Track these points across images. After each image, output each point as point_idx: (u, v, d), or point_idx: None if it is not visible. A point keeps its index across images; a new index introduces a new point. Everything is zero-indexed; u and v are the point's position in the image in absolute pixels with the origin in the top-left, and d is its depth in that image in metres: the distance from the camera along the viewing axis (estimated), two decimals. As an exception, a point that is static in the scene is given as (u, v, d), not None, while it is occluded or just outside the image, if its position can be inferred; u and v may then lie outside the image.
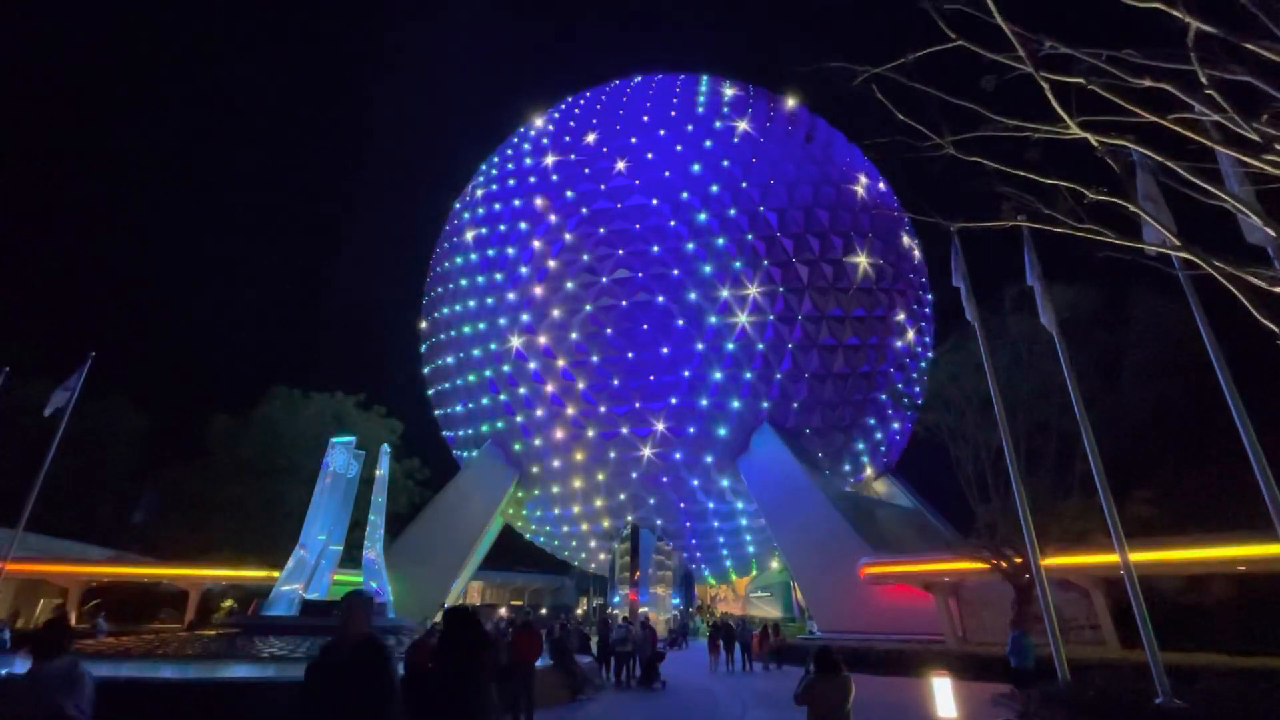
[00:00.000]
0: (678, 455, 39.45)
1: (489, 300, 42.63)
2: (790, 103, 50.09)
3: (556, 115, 49.95)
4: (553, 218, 41.66)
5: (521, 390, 40.98)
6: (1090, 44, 5.37)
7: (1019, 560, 20.10)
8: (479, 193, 48.61)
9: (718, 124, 44.16)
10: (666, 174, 41.12)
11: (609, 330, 38.93)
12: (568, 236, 40.75)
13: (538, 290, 40.57)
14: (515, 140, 51.11)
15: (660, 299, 38.66)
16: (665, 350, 38.46)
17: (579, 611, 57.89)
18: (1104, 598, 22.34)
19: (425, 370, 49.53)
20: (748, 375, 38.57)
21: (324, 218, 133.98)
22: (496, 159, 50.91)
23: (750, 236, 39.59)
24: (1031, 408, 20.36)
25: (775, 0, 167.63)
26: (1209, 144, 5.58)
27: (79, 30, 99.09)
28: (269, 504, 37.74)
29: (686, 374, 38.41)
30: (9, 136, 79.65)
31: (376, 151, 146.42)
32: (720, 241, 39.36)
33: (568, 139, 45.66)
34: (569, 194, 41.95)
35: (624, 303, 38.88)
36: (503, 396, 41.94)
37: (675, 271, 38.90)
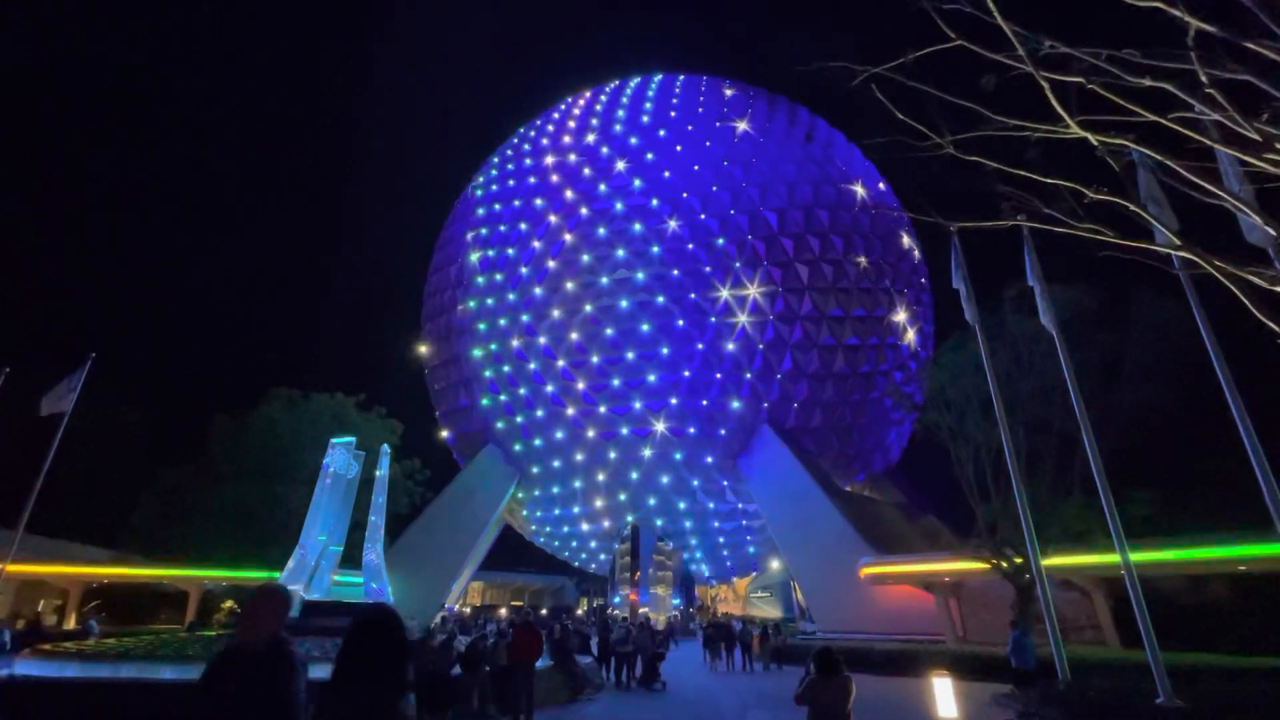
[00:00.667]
0: (678, 455, 39.44)
1: (489, 300, 42.64)
2: (790, 103, 50.15)
3: (556, 116, 49.97)
4: (553, 218, 41.67)
5: (522, 391, 40.98)
6: (1090, 43, 5.36)
7: (1019, 560, 20.09)
8: (479, 193, 48.62)
9: (718, 124, 44.18)
10: (666, 174, 41.14)
11: (609, 330, 38.95)
12: (568, 237, 40.75)
13: (538, 290, 40.58)
14: (515, 141, 51.14)
15: (660, 299, 38.67)
16: (665, 350, 38.46)
17: (579, 612, 57.88)
18: (1104, 598, 22.34)
19: (425, 371, 49.54)
20: (748, 375, 38.57)
21: (324, 218, 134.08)
22: (497, 159, 50.95)
23: (750, 237, 39.60)
24: (1032, 408, 20.34)
25: (775, 0, 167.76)
26: (1209, 143, 5.58)
27: (79, 30, 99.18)
28: (269, 505, 37.70)
29: (687, 374, 38.42)
30: (8, 136, 79.72)
31: (377, 152, 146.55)
32: (720, 242, 39.38)
33: (568, 139, 45.69)
34: (569, 194, 41.98)
35: (624, 303, 38.89)
36: (503, 397, 41.94)
37: (675, 272, 38.91)
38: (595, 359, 39.07)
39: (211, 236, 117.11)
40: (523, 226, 42.69)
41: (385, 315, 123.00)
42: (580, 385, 39.37)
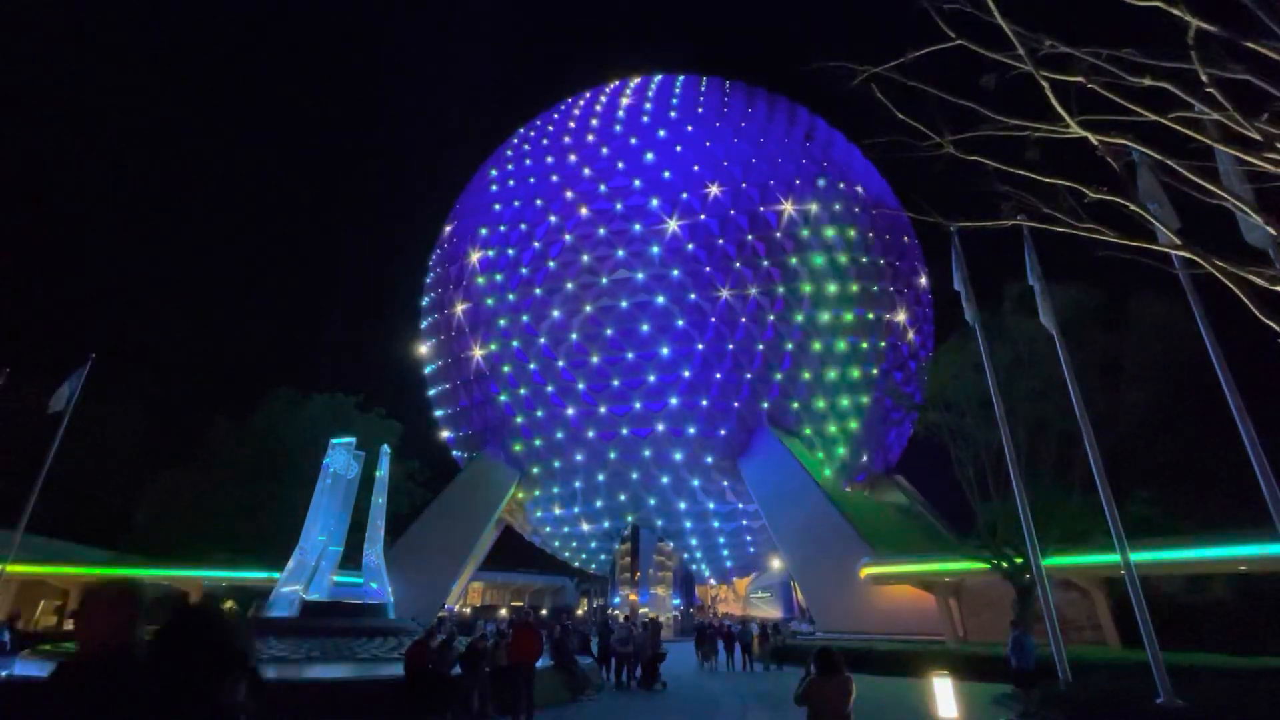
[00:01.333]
0: (678, 455, 39.43)
1: (489, 301, 42.63)
2: (790, 103, 50.16)
3: (556, 116, 49.98)
4: (553, 218, 41.68)
5: (522, 391, 40.97)
6: (1090, 43, 5.36)
7: (1019, 560, 20.08)
8: (479, 193, 48.62)
9: (717, 124, 44.18)
10: (667, 174, 41.14)
11: (609, 331, 38.95)
12: (568, 237, 40.75)
13: (538, 291, 40.57)
14: (516, 141, 51.13)
15: (660, 299, 38.67)
16: (665, 351, 38.46)
17: (579, 612, 57.85)
18: (1105, 598, 22.33)
19: (426, 371, 49.53)
20: (748, 376, 38.56)
21: (324, 218, 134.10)
22: (497, 159, 50.95)
23: (750, 236, 39.60)
24: (1032, 407, 20.34)
25: (776, 1, 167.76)
26: (1209, 143, 5.57)
27: (79, 29, 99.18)
28: (269, 505, 37.70)
29: (686, 374, 38.42)
30: (8, 136, 79.74)
31: (377, 152, 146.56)
32: (720, 242, 39.39)
33: (568, 140, 45.69)
34: (569, 194, 41.98)
35: (624, 303, 38.89)
36: (503, 397, 41.93)
37: (675, 272, 38.91)
38: (595, 359, 39.06)
39: (212, 236, 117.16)
40: (523, 227, 42.69)
41: (385, 315, 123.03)
42: (580, 385, 39.36)
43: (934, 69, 5.80)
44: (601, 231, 40.19)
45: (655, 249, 39.32)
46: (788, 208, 40.61)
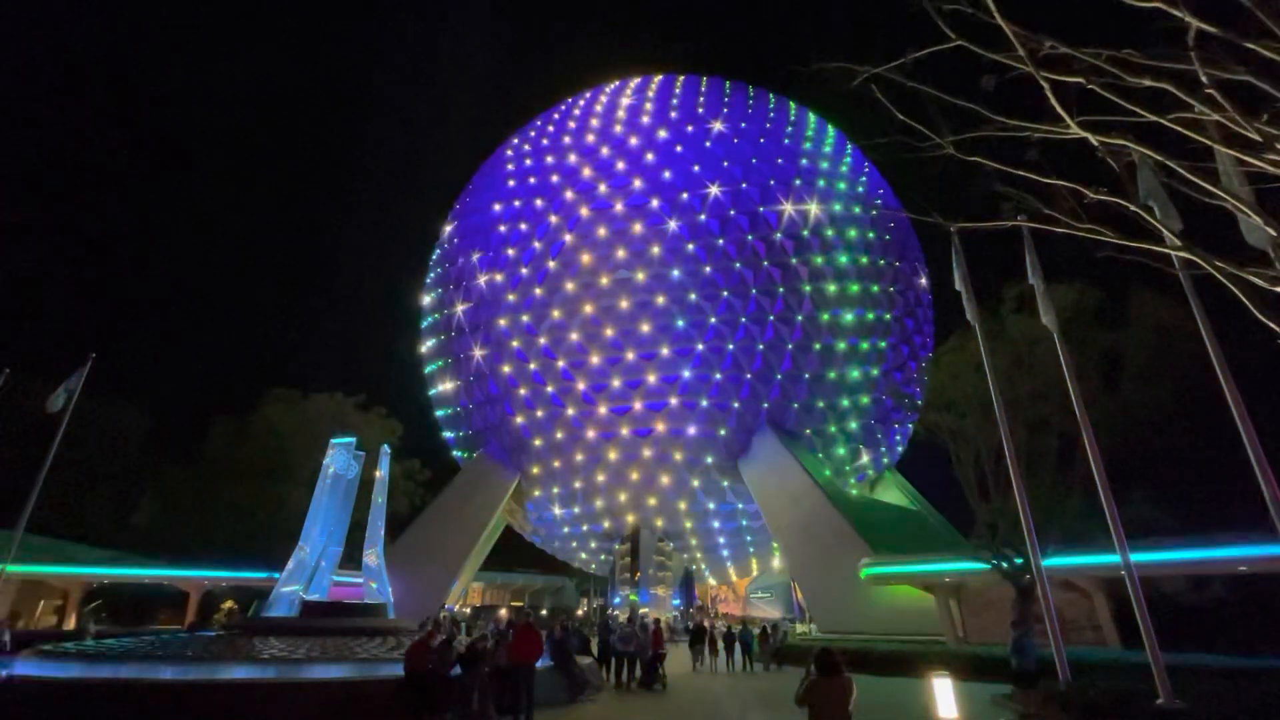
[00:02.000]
0: (678, 456, 39.42)
1: (489, 301, 42.62)
2: (790, 103, 50.16)
3: (557, 116, 49.97)
4: (553, 218, 41.67)
5: (522, 391, 40.97)
6: (1090, 44, 5.36)
7: (1019, 560, 20.08)
8: (479, 193, 48.61)
9: (718, 125, 44.17)
10: (667, 174, 41.14)
11: (609, 331, 38.95)
12: (568, 237, 40.74)
13: (538, 291, 40.56)
14: (516, 141, 51.12)
15: (660, 299, 38.67)
16: (665, 351, 38.46)
17: (580, 612, 57.83)
18: (1105, 598, 22.32)
19: (426, 371, 49.53)
20: (748, 376, 38.56)
21: (325, 218, 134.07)
22: (497, 159, 50.94)
23: (750, 237, 39.60)
24: (1032, 408, 20.32)
25: (776, 1, 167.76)
26: (1209, 143, 5.57)
27: (79, 30, 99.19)
28: (269, 505, 37.74)
29: (686, 374, 38.42)
30: (8, 137, 79.71)
31: (377, 152, 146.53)
32: (720, 242, 39.38)
33: (568, 140, 45.68)
34: (569, 194, 41.97)
35: (624, 303, 38.89)
36: (503, 397, 41.93)
37: (675, 272, 38.91)
38: (595, 359, 39.06)
39: (212, 237, 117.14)
40: (523, 227, 42.69)
41: (385, 315, 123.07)
42: (580, 386, 39.36)
43: (934, 70, 5.80)
44: (602, 231, 40.19)
45: (655, 249, 39.32)
46: (788, 208, 40.60)
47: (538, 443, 41.30)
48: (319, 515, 18.94)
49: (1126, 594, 11.85)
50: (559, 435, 40.50)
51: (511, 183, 45.72)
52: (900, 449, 46.00)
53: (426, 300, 49.80)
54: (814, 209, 41.01)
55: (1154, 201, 9.34)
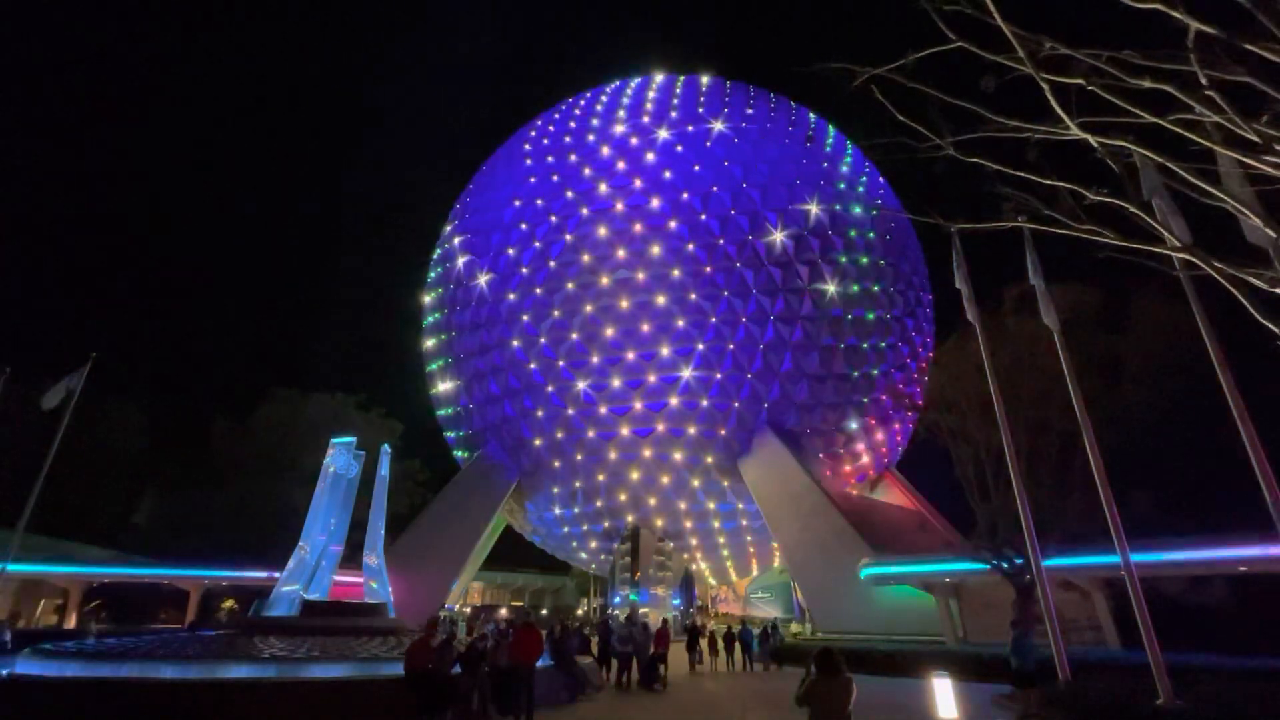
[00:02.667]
0: (678, 456, 39.44)
1: (489, 300, 42.63)
2: (791, 104, 50.14)
3: (557, 116, 49.96)
4: (553, 218, 41.67)
5: (522, 391, 40.98)
6: (1090, 45, 5.36)
7: (1020, 561, 20.09)
8: (480, 193, 48.61)
9: (718, 125, 44.15)
10: (667, 174, 41.13)
11: (609, 330, 38.95)
12: (568, 237, 40.74)
13: (538, 291, 40.57)
14: (516, 140, 51.12)
15: (661, 299, 38.67)
16: (665, 351, 38.47)
17: (580, 612, 57.87)
18: (1105, 598, 22.33)
19: (426, 371, 49.56)
20: (748, 376, 38.57)
21: (325, 217, 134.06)
22: (497, 158, 50.94)
23: (751, 237, 39.60)
24: (1032, 408, 20.33)
25: (778, 1, 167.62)
26: (1209, 145, 5.57)
27: (80, 30, 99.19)
28: (269, 504, 37.77)
29: (687, 374, 38.43)
30: (8, 136, 79.74)
31: (377, 152, 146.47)
32: (721, 242, 39.38)
33: (568, 139, 45.67)
34: (569, 194, 41.97)
35: (624, 303, 38.89)
36: (503, 397, 41.94)
37: (676, 272, 38.91)
38: (595, 359, 39.07)
39: (212, 237, 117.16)
40: (523, 226, 42.69)
41: (386, 315, 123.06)
42: (580, 385, 39.37)
43: (934, 71, 5.81)
44: (602, 231, 40.19)
45: (656, 249, 39.32)
46: (788, 208, 40.59)
47: (538, 442, 41.31)
48: (319, 515, 18.97)
49: (1126, 594, 11.85)
50: (559, 435, 40.52)
51: (512, 182, 45.73)
52: (900, 449, 46.00)
53: (427, 300, 49.82)
54: (815, 209, 41.01)
55: (1158, 202, 9.35)
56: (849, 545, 30.87)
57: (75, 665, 12.52)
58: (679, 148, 42.33)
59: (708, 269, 38.92)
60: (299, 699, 11.28)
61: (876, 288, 41.23)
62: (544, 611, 55.24)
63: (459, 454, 48.18)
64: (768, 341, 38.56)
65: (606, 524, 42.78)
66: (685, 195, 40.35)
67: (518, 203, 44.05)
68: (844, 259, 40.54)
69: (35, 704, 10.84)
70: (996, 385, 15.07)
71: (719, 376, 38.45)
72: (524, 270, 41.45)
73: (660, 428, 38.91)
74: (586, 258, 39.92)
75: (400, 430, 48.30)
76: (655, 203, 40.29)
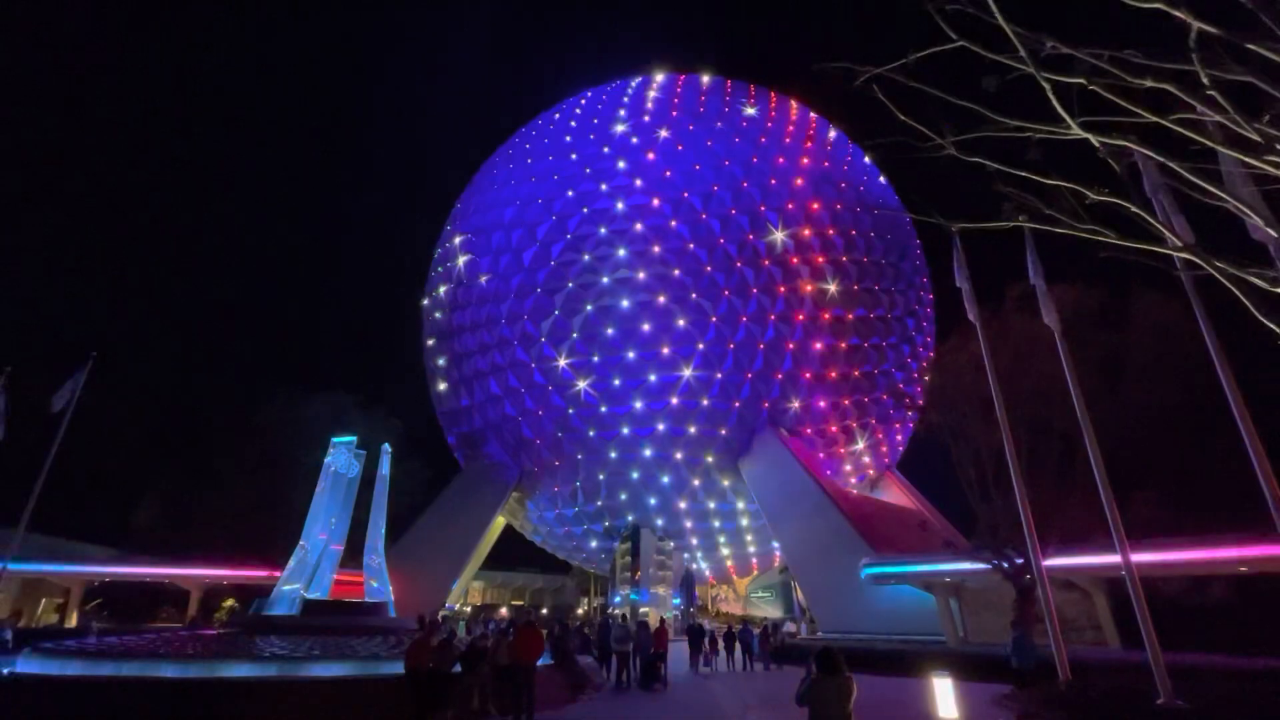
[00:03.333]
0: (679, 455, 39.44)
1: (490, 300, 42.63)
2: (792, 103, 50.12)
3: (557, 116, 49.97)
4: (554, 217, 41.67)
5: (523, 390, 40.98)
6: (1091, 44, 5.36)
7: (1020, 561, 20.10)
8: (481, 192, 48.61)
9: (719, 124, 44.15)
10: (668, 174, 41.12)
11: (610, 330, 38.94)
12: (569, 236, 40.74)
13: (539, 290, 40.57)
14: (517, 140, 51.14)
15: (661, 299, 38.67)
16: (666, 350, 38.46)
17: (580, 611, 57.89)
18: (1105, 598, 22.34)
19: (427, 370, 49.55)
20: (749, 375, 38.57)
21: (325, 217, 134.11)
22: (498, 158, 50.95)
23: (752, 236, 39.59)
24: (1033, 408, 20.33)
25: (778, 1, 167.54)
26: (1210, 144, 5.57)
27: (80, 28, 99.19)
28: (270, 504, 37.77)
29: (687, 373, 38.43)
30: (8, 135, 79.76)
31: (378, 151, 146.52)
32: (721, 241, 39.37)
33: (569, 139, 45.68)
34: (570, 193, 41.97)
35: (625, 303, 38.89)
36: (504, 397, 41.95)
37: (676, 271, 38.90)
38: (596, 359, 39.07)
39: (213, 236, 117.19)
40: (524, 226, 42.69)
41: (386, 314, 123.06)
42: (581, 385, 39.37)
43: (935, 70, 5.80)
44: (603, 230, 40.19)
45: (656, 248, 39.31)
46: (789, 207, 40.59)
47: (538, 442, 41.33)
48: (320, 514, 18.98)
49: (1127, 594, 11.85)
50: (560, 434, 40.52)
51: (513, 182, 45.73)
52: (901, 449, 46.01)
53: (428, 299, 49.84)
54: (815, 208, 41.02)
55: (1159, 201, 9.35)
56: (849, 545, 30.87)
57: (76, 664, 12.53)
58: (679, 147, 42.33)
59: (708, 268, 38.92)
60: (299, 698, 11.29)
61: (877, 287, 41.22)
62: (544, 611, 55.23)
63: (460, 453, 48.19)
64: (768, 341, 38.55)
65: (607, 523, 42.80)
66: (686, 194, 40.35)
67: (519, 202, 44.05)
68: (845, 258, 40.53)
69: (35, 703, 10.84)
70: (997, 385, 15.06)
71: (719, 376, 38.45)
72: (525, 270, 41.45)
73: (661, 427, 38.91)
74: (587, 257, 39.93)
75: (401, 430, 48.23)
76: (656, 202, 40.29)
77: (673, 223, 39.70)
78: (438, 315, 47.27)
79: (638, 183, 41.01)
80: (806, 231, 40.25)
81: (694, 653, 23.17)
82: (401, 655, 11.91)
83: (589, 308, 39.29)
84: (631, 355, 38.59)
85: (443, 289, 47.11)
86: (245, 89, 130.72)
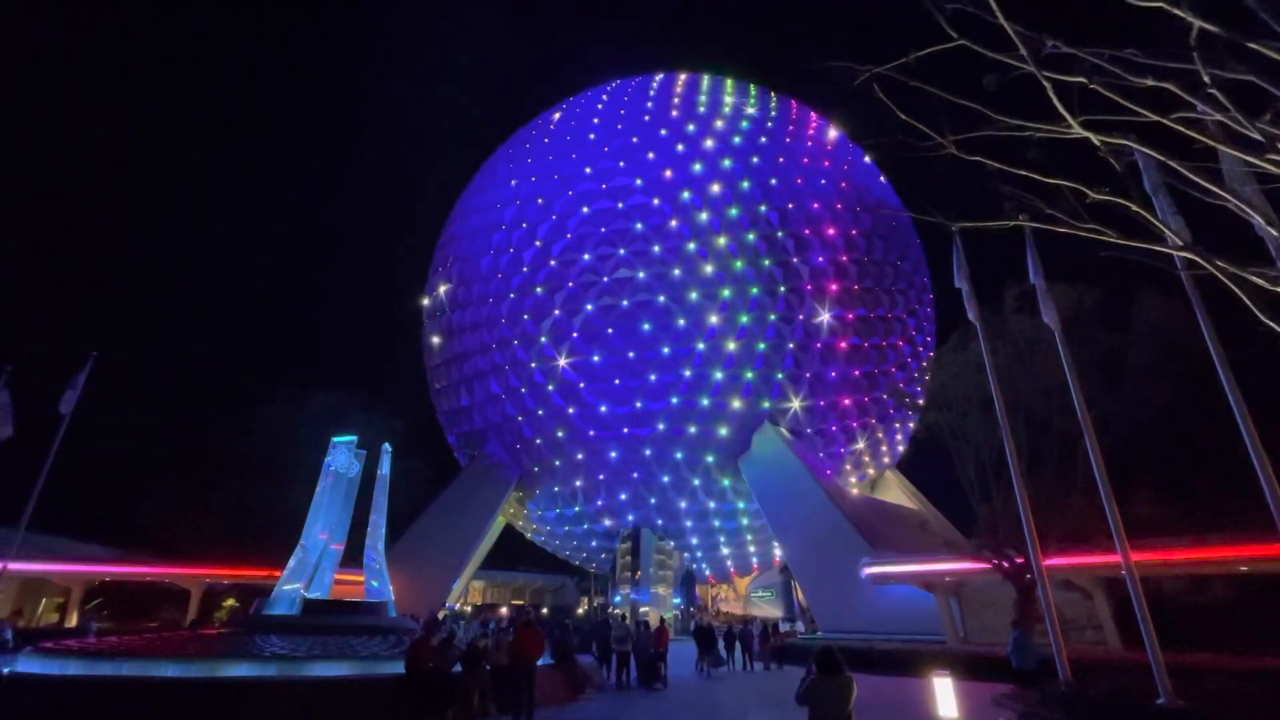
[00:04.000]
0: (679, 455, 39.44)
1: (490, 299, 42.64)
2: (792, 103, 50.11)
3: (558, 116, 49.95)
4: (554, 217, 41.68)
5: (523, 390, 40.99)
6: (1092, 43, 5.36)
7: (1020, 560, 20.09)
8: (480, 192, 48.62)
9: (719, 123, 44.15)
10: (668, 173, 41.11)
11: (610, 330, 38.94)
12: (569, 236, 40.74)
13: (539, 290, 40.58)
14: (517, 139, 51.13)
15: (661, 299, 38.66)
16: (666, 350, 38.46)
17: (580, 611, 57.91)
18: (1105, 598, 22.32)
19: (427, 369, 49.54)
20: (749, 375, 38.56)
21: (325, 217, 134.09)
22: (498, 157, 50.94)
23: (751, 236, 39.58)
24: (1033, 407, 20.33)
25: (779, 1, 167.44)
26: (1211, 143, 5.56)
27: (81, 31, 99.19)
28: (270, 503, 37.75)
29: (687, 373, 38.42)
30: (8, 136, 79.75)
31: (378, 150, 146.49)
32: (721, 241, 39.37)
33: (569, 139, 45.67)
34: (570, 193, 41.97)
35: (625, 302, 38.88)
36: (504, 396, 41.96)
37: (676, 271, 38.90)
38: (596, 358, 39.07)
39: (212, 235, 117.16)
40: (524, 225, 42.69)
41: (387, 314, 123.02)
42: (581, 384, 39.37)
43: (936, 69, 5.80)
44: (603, 230, 40.19)
45: (656, 248, 39.30)
46: (789, 207, 40.58)
47: (538, 441, 41.33)
48: (320, 513, 18.96)
49: (1127, 593, 11.84)
50: (560, 434, 40.52)
51: (514, 181, 45.72)
52: (901, 449, 46.00)
53: (428, 299, 49.83)
54: (815, 208, 41.01)
55: (1159, 200, 9.34)
56: (850, 544, 30.86)
57: (76, 664, 12.53)
58: (679, 147, 42.31)
59: (708, 268, 38.91)
60: (299, 698, 11.29)
61: (877, 287, 41.21)
62: (544, 611, 55.24)
63: (460, 453, 48.20)
64: (768, 340, 38.55)
65: (607, 523, 42.81)
66: (686, 194, 40.33)
67: (519, 202, 44.05)
68: (845, 258, 40.52)
69: (36, 703, 10.85)
70: (997, 385, 15.04)
71: (719, 376, 38.45)
72: (525, 269, 41.46)
73: (661, 427, 38.91)
74: (588, 257, 39.92)
75: (401, 430, 48.18)
76: (655, 201, 40.28)
77: (673, 222, 39.69)
78: (438, 315, 47.27)
79: (638, 182, 41.00)
80: (806, 231, 40.24)
81: (702, 655, 22.16)
82: (402, 655, 11.91)
83: (589, 307, 39.29)
84: (632, 355, 38.58)
85: (443, 288, 47.10)
86: (246, 88, 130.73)
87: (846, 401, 40.02)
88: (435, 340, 47.46)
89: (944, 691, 11.36)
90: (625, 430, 39.36)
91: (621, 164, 41.96)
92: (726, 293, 38.62)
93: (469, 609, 50.29)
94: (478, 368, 43.14)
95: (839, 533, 31.99)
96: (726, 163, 41.58)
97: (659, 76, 50.88)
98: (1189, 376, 18.55)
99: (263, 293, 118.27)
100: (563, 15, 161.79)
